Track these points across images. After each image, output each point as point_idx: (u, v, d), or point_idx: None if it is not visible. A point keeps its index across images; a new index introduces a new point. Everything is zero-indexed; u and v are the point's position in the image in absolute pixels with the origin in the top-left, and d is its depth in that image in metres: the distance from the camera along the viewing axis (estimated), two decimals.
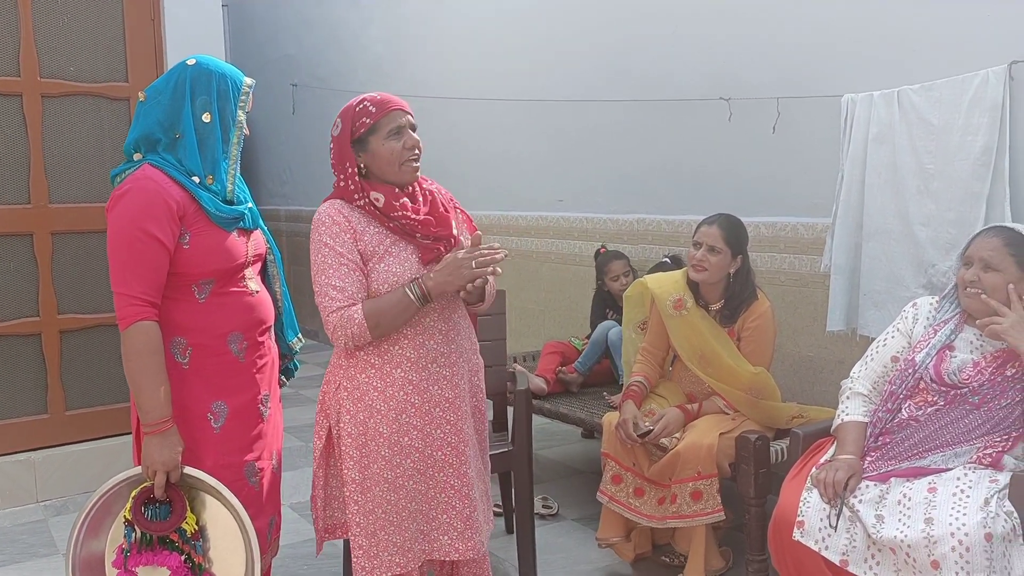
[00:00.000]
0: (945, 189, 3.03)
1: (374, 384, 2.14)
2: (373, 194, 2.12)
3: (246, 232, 2.25)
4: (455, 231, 2.21)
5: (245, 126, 2.25)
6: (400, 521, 2.15)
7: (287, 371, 2.53)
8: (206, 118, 2.14)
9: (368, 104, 2.14)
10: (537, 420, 3.80)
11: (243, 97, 2.22)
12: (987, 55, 2.88)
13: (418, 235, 2.14)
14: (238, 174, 2.25)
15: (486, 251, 2.12)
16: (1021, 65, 2.80)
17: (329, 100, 7.12)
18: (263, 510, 2.24)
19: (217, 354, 2.16)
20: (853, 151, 3.29)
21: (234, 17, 4.57)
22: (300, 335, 2.53)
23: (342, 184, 2.16)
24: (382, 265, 2.12)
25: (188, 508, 2.05)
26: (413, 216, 2.13)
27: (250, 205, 2.28)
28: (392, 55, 6.33)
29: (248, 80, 2.25)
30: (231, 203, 2.20)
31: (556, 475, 4.14)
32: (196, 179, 2.12)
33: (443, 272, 2.09)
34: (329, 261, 2.10)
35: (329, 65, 7.20)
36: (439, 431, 2.19)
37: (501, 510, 3.59)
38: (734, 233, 2.98)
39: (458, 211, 2.33)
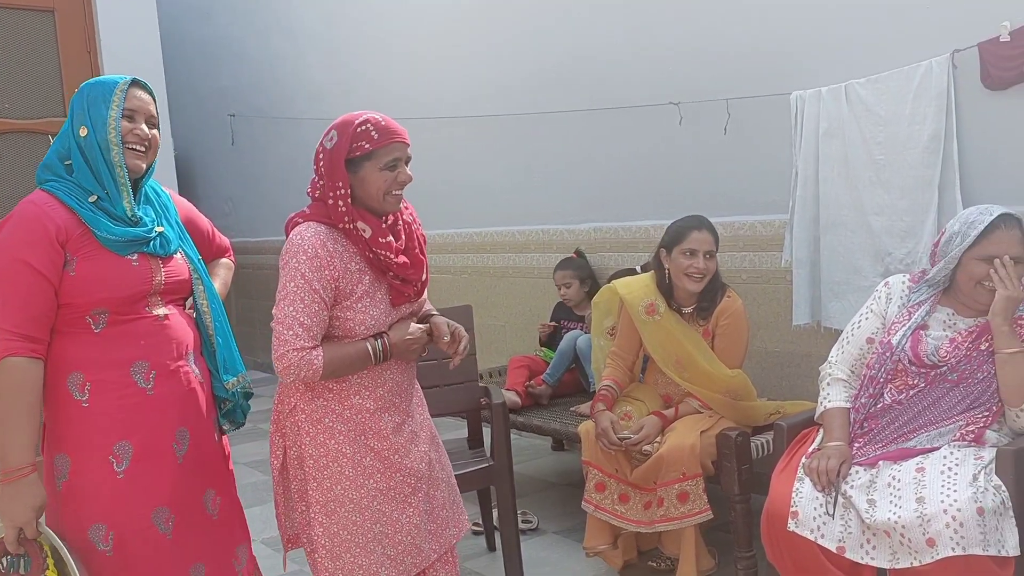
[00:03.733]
0: (896, 178, 3.10)
1: (332, 407, 2.08)
2: (361, 224, 2.03)
3: (156, 258, 2.04)
4: (424, 276, 2.17)
5: (142, 129, 2.03)
6: (366, 543, 2.07)
7: (231, 414, 2.26)
8: (83, 132, 1.98)
9: (371, 128, 2.01)
10: None
11: (116, 95, 1.99)
12: (930, 45, 2.96)
13: (391, 274, 2.08)
14: (153, 198, 2.07)
15: (451, 345, 2.18)
16: (963, 53, 2.88)
17: (269, 129, 7.04)
18: (182, 559, 2.04)
19: (120, 388, 1.97)
20: (805, 147, 3.35)
21: (168, 48, 4.48)
22: (243, 374, 2.25)
23: (330, 201, 2.02)
24: (359, 306, 2.05)
25: (48, 566, 1.87)
26: (392, 257, 2.06)
27: (160, 229, 2.06)
28: (332, 81, 6.27)
29: (125, 79, 2.04)
30: (135, 223, 2.00)
31: (531, 489, 4.10)
32: (93, 197, 1.95)
33: (407, 343, 2.10)
34: (301, 295, 1.97)
35: (267, 94, 7.11)
36: (396, 456, 2.12)
37: (481, 529, 3.54)
38: (717, 234, 3.02)
39: (419, 239, 2.23)
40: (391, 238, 2.07)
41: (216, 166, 8.14)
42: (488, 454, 3.20)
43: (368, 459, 2.09)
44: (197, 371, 2.13)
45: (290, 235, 2.04)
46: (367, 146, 2.00)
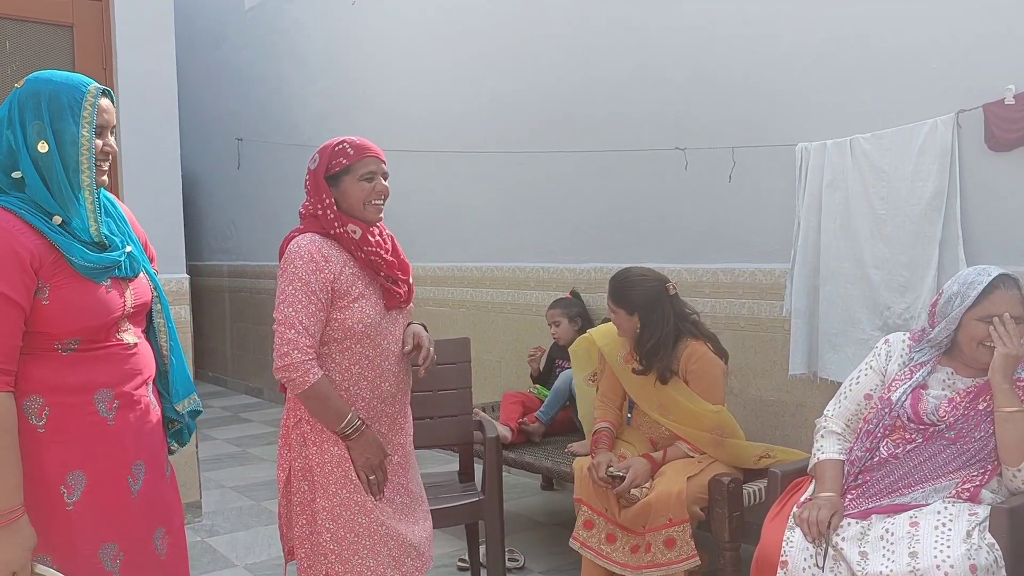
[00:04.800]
0: (897, 232, 3.12)
1: None
2: (350, 226, 2.22)
3: (124, 281, 1.94)
4: (411, 278, 2.36)
5: (110, 144, 1.92)
6: (373, 545, 2.19)
7: (179, 435, 2.18)
8: (42, 148, 1.80)
9: (347, 146, 2.24)
10: None
11: (86, 109, 1.84)
12: (935, 104, 3.00)
13: (382, 274, 2.25)
14: (109, 207, 1.98)
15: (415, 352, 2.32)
16: (968, 114, 2.92)
17: (274, 154, 7.08)
18: None
19: (80, 415, 1.85)
20: (808, 198, 3.38)
21: (180, 70, 4.52)
22: (195, 395, 2.18)
23: (320, 212, 2.22)
24: (356, 305, 2.20)
25: None
26: (383, 255, 2.26)
27: (128, 249, 1.97)
28: (337, 110, 6.33)
29: (92, 86, 1.87)
30: (103, 247, 1.90)
31: (519, 527, 4.07)
32: (58, 219, 1.82)
33: (370, 448, 2.20)
34: (299, 296, 2.14)
35: (273, 120, 7.17)
36: (392, 458, 2.29)
37: (467, 565, 3.50)
38: (621, 294, 3.02)
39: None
40: (379, 238, 2.27)
41: (221, 189, 8.18)
42: (479, 488, 3.17)
43: None
44: (155, 402, 2.07)
45: (289, 245, 2.21)
46: (344, 161, 2.23)
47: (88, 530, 1.87)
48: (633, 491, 2.89)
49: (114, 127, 1.96)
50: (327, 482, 2.17)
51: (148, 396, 2.02)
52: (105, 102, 1.91)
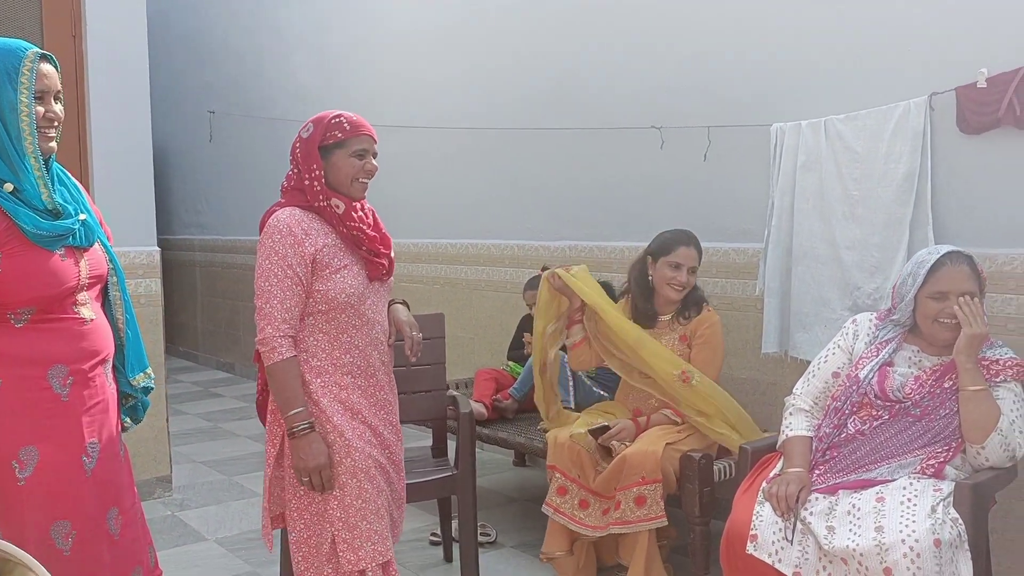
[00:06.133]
0: (869, 214, 3.15)
1: (329, 388, 2.23)
2: (334, 200, 2.23)
3: (79, 250, 1.94)
4: (392, 252, 2.38)
5: (54, 110, 1.90)
6: (377, 509, 2.24)
7: (133, 411, 2.20)
8: None
9: (344, 121, 2.24)
10: None
11: (24, 75, 1.82)
12: (909, 86, 3.02)
13: (364, 248, 2.27)
14: (64, 178, 1.97)
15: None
16: (941, 97, 2.95)
17: (248, 128, 7.00)
18: None
19: (34, 389, 1.85)
20: (782, 178, 3.40)
21: (153, 39, 4.45)
22: (148, 370, 2.19)
23: (307, 183, 2.22)
24: (339, 276, 2.21)
25: None
26: (366, 229, 2.28)
27: (83, 217, 1.95)
28: (318, 83, 6.26)
29: (31, 51, 1.86)
30: (57, 214, 1.88)
31: (491, 503, 4.09)
32: (9, 187, 1.81)
33: (310, 451, 2.15)
34: (276, 271, 2.16)
35: (250, 93, 7.08)
36: (386, 431, 2.33)
37: (439, 539, 3.52)
38: (702, 251, 3.19)
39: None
40: (362, 213, 2.28)
41: (193, 162, 8.09)
42: (452, 464, 3.18)
43: (367, 433, 2.26)
44: (111, 382, 2.06)
45: (269, 220, 2.21)
46: (339, 135, 2.23)
47: (40, 507, 1.86)
48: (614, 442, 2.95)
49: (59, 92, 1.95)
50: (332, 450, 2.20)
51: (104, 375, 2.00)
52: (46, 67, 1.90)
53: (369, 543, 2.20)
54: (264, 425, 2.37)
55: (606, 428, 3.00)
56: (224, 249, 7.68)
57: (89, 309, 1.97)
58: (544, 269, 4.30)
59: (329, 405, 2.21)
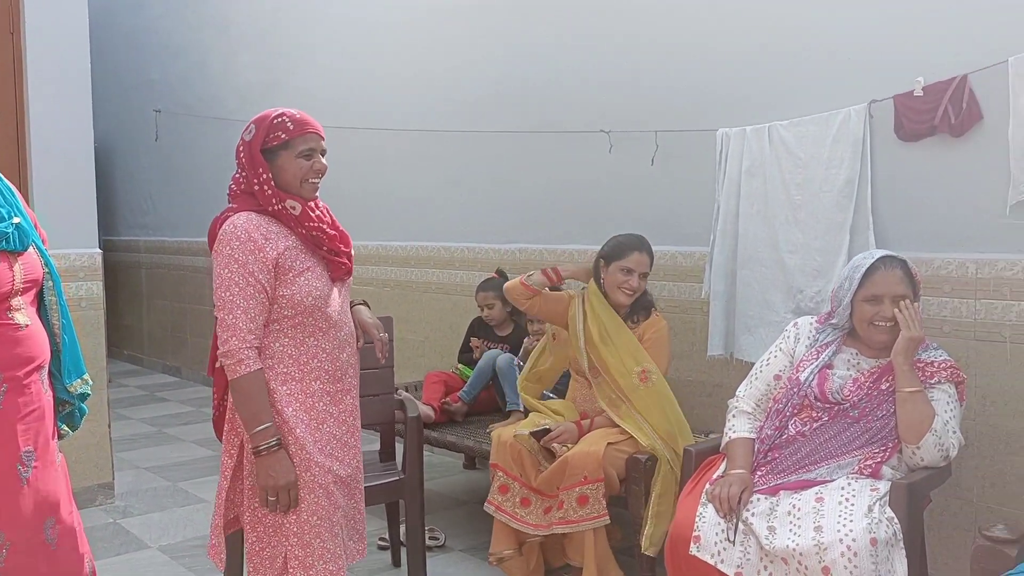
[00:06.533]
0: (812, 219, 3.21)
1: (296, 396, 2.15)
2: (289, 202, 2.15)
3: (12, 254, 1.90)
4: (352, 250, 2.31)
5: None
6: (331, 527, 2.17)
7: (70, 418, 2.15)
8: None
9: (287, 120, 2.15)
10: None
11: None
12: (850, 94, 3.08)
13: (325, 248, 2.20)
14: (3, 183, 1.93)
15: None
16: (880, 104, 3.01)
17: (195, 128, 6.90)
18: None
19: None
20: (728, 183, 3.45)
21: (96, 35, 4.36)
22: (86, 376, 2.14)
23: (256, 188, 2.14)
24: (302, 279, 2.14)
25: None
26: (326, 228, 2.20)
27: (16, 220, 1.93)
28: (264, 83, 6.19)
29: None
30: None
31: (440, 506, 4.08)
32: None
33: (277, 470, 2.07)
34: (237, 279, 2.07)
35: (196, 92, 6.97)
36: (351, 438, 2.26)
37: (387, 544, 3.50)
38: (654, 256, 3.22)
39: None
40: (319, 212, 2.21)
41: (138, 162, 7.93)
42: (399, 468, 3.17)
43: (330, 446, 2.18)
44: (47, 388, 2.01)
45: (222, 227, 2.12)
46: (283, 136, 2.14)
47: None
48: (555, 444, 2.97)
49: None
50: (292, 463, 2.11)
51: (40, 382, 1.95)
52: None
53: (321, 562, 2.13)
54: (220, 439, 2.27)
55: (547, 431, 3.01)
56: (171, 251, 7.55)
57: (24, 315, 1.92)
58: (498, 272, 4.32)
59: (294, 415, 2.12)
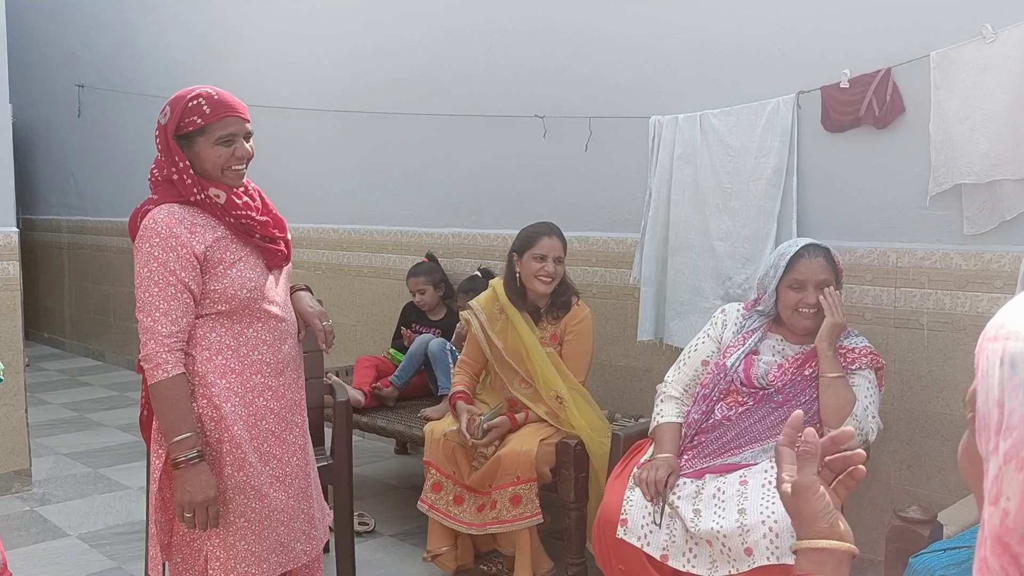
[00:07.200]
0: (741, 207, 3.26)
1: (235, 390, 2.03)
2: (213, 190, 2.00)
3: None
4: (288, 234, 2.19)
5: None
6: (261, 530, 2.06)
7: None
8: None
9: (203, 102, 1.98)
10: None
11: None
12: (780, 84, 3.13)
13: (256, 235, 2.07)
14: None
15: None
16: (807, 95, 3.07)
17: (121, 104, 6.69)
18: None
19: None
20: (660, 170, 3.47)
21: (13, 5, 4.19)
22: None
23: (175, 178, 1.99)
24: (233, 270, 2.02)
25: None
26: (255, 216, 2.06)
27: None
28: (193, 62, 6.02)
29: None
30: None
31: (370, 491, 4.05)
32: None
33: (196, 484, 1.93)
34: (156, 279, 1.93)
35: (121, 68, 6.75)
36: (291, 435, 2.15)
37: None
38: (566, 241, 3.14)
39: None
40: (247, 199, 2.06)
41: (59, 138, 7.66)
42: (328, 453, 3.13)
43: (266, 445, 2.07)
44: None
45: (142, 222, 1.98)
46: (199, 120, 1.97)
47: None
48: (482, 450, 2.93)
49: None
50: (223, 463, 2.01)
51: None
52: None
53: (244, 564, 2.03)
54: (147, 442, 2.14)
55: (491, 417, 2.95)
56: (94, 231, 7.32)
57: None
58: (428, 257, 4.29)
59: (231, 411, 2.00)
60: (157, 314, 1.93)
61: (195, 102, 1.98)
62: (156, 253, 1.93)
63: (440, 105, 4.36)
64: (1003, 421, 0.59)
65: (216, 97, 1.99)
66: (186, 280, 1.95)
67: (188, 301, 1.96)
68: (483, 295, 3.22)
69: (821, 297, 2.45)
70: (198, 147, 1.99)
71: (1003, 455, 0.58)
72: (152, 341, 1.93)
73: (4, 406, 2.16)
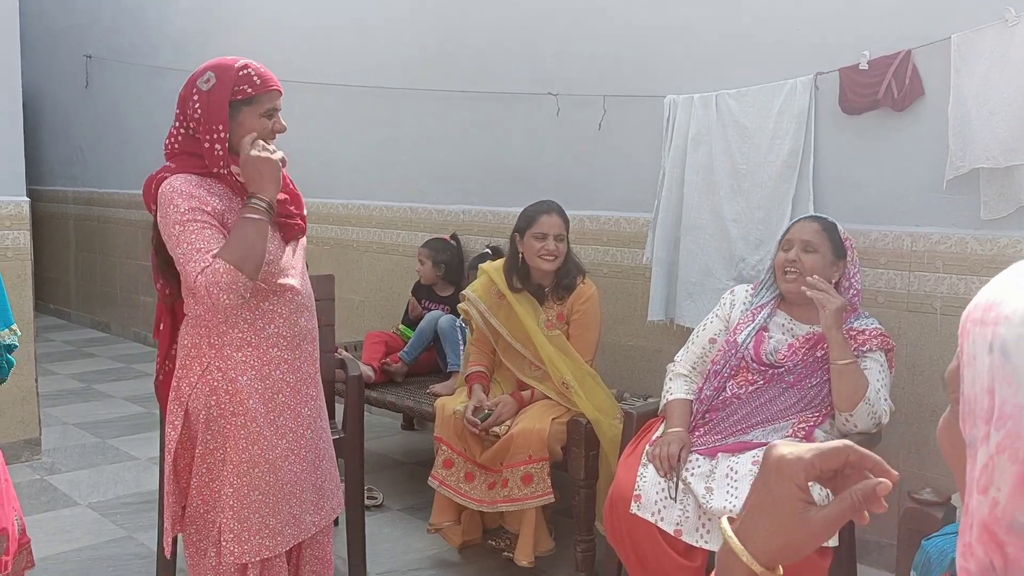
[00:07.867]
0: (755, 189, 3.25)
1: (251, 363, 2.03)
2: (236, 168, 2.00)
3: None
4: (304, 209, 2.19)
5: None
6: (276, 503, 2.07)
7: None
8: None
9: (252, 73, 1.98)
10: None
11: None
12: (797, 65, 3.12)
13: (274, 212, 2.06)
14: None
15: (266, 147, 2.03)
16: (825, 76, 3.05)
17: (128, 75, 6.65)
18: None
19: None
20: (674, 150, 3.46)
21: None
22: (14, 326, 2.10)
23: (207, 145, 1.95)
24: None
25: None
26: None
27: None
28: (201, 33, 5.99)
29: None
30: None
31: (378, 466, 4.07)
32: None
33: (253, 176, 1.94)
34: (189, 227, 1.90)
35: (129, 38, 6.72)
36: (306, 409, 2.16)
37: None
38: (567, 218, 3.10)
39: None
40: None
41: (67, 110, 7.63)
42: (339, 427, 3.15)
43: (282, 419, 2.08)
44: None
45: (160, 188, 1.96)
46: (249, 91, 1.97)
47: None
48: (495, 429, 2.94)
49: None
50: (238, 436, 2.02)
51: None
52: None
53: (257, 537, 2.04)
54: (163, 407, 2.14)
55: (489, 416, 2.94)
56: (101, 203, 7.31)
57: None
58: (452, 237, 4.25)
59: (247, 384, 2.00)
60: (196, 255, 1.88)
61: (245, 71, 1.97)
62: (183, 208, 1.91)
63: (452, 81, 4.34)
64: (994, 410, 0.57)
65: (262, 70, 2.00)
66: (215, 224, 1.93)
67: (217, 235, 1.93)
68: (477, 283, 3.19)
69: (804, 288, 2.43)
70: (243, 116, 1.98)
71: (995, 445, 0.56)
72: (189, 264, 1.87)
73: (14, 375, 2.18)
